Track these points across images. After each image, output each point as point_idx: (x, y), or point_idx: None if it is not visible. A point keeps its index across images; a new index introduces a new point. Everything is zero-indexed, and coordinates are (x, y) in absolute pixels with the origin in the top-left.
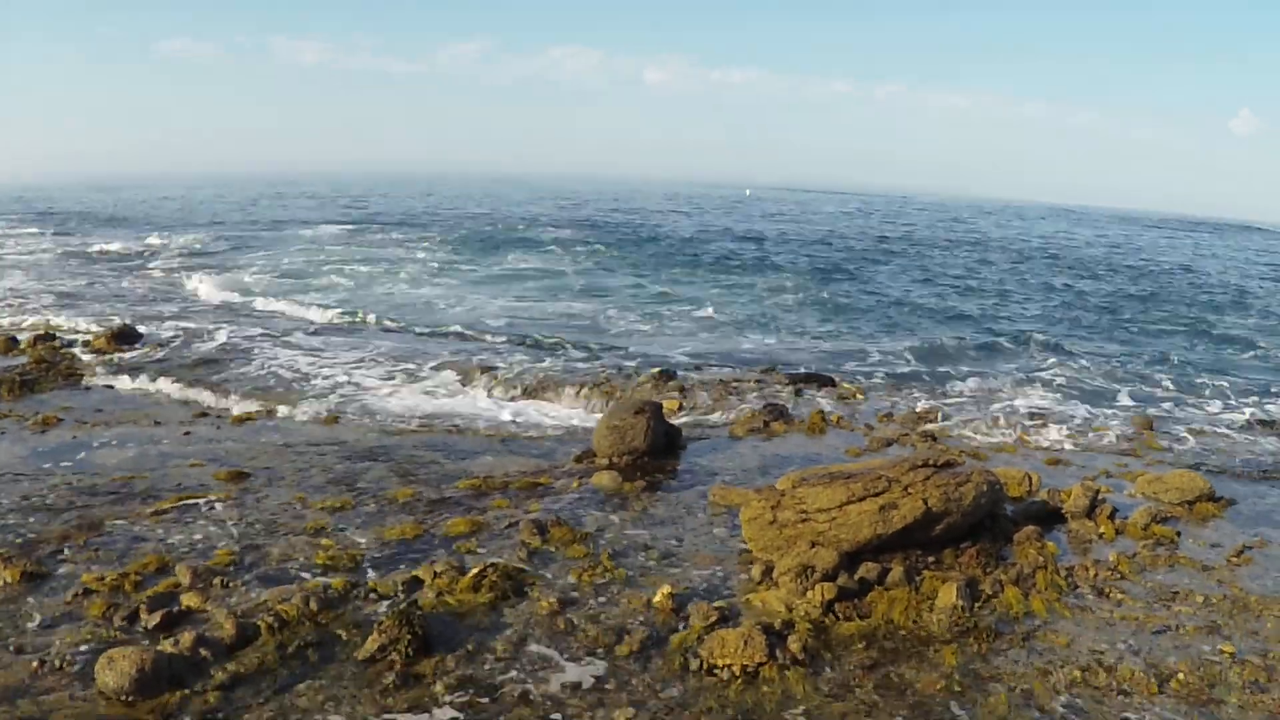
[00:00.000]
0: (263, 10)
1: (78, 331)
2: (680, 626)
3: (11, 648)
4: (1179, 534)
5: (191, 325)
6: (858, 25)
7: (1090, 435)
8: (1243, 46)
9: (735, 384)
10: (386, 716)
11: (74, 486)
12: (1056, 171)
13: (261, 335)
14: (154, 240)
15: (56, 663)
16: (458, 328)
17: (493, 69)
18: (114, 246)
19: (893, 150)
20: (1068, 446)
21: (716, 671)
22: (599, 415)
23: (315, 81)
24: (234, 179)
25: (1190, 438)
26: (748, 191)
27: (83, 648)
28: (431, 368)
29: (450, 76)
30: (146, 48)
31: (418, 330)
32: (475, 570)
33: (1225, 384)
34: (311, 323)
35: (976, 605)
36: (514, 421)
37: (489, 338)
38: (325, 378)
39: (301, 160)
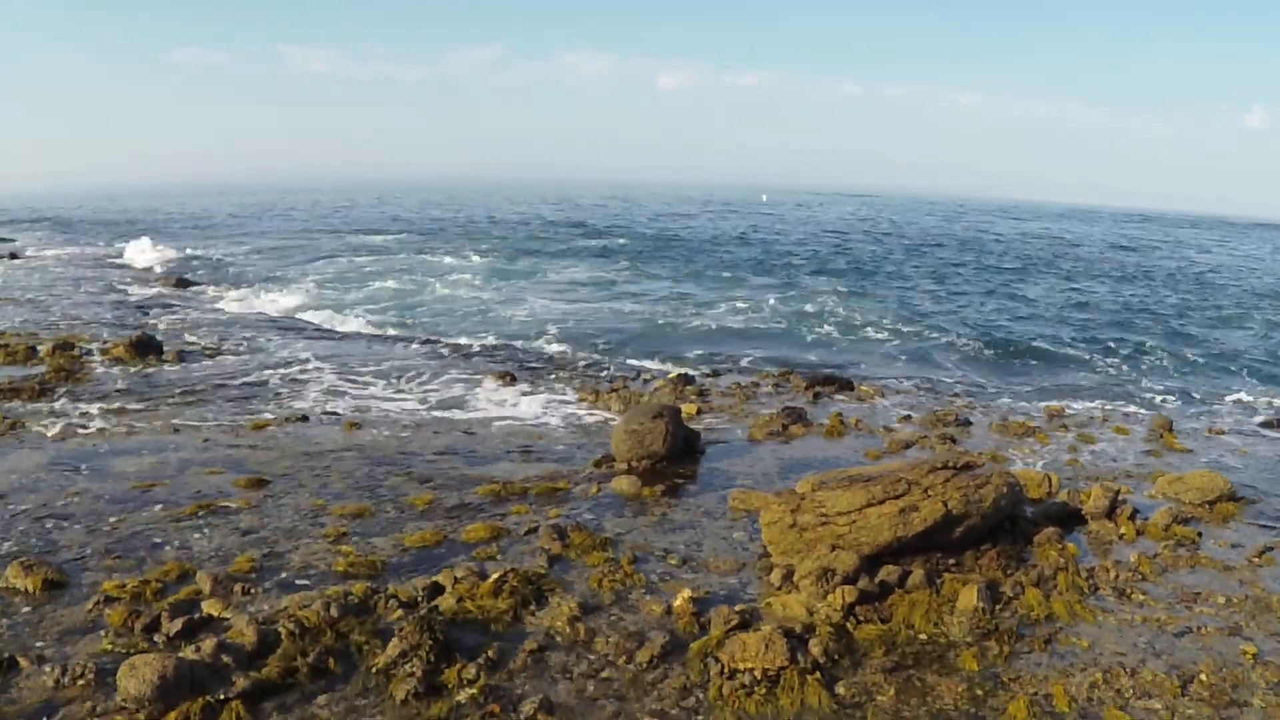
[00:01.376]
0: (272, 19)
1: (95, 340)
2: (700, 632)
3: (33, 656)
4: (1200, 534)
5: (218, 336)
6: (867, 26)
7: (1110, 436)
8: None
9: (753, 387)
10: None
11: (94, 494)
12: (1087, 172)
13: (286, 344)
14: (179, 250)
15: (78, 671)
16: (491, 335)
17: (505, 76)
18: (139, 257)
19: (915, 151)
20: (1087, 447)
21: (738, 675)
22: (619, 418)
23: (329, 90)
24: (252, 187)
25: (1211, 437)
26: (764, 197)
27: (104, 656)
28: (456, 375)
29: (463, 84)
30: (159, 57)
31: (445, 338)
32: (496, 576)
33: (1245, 383)
34: (341, 333)
35: (997, 607)
36: (533, 426)
37: (523, 344)
38: (346, 385)
39: (318, 168)
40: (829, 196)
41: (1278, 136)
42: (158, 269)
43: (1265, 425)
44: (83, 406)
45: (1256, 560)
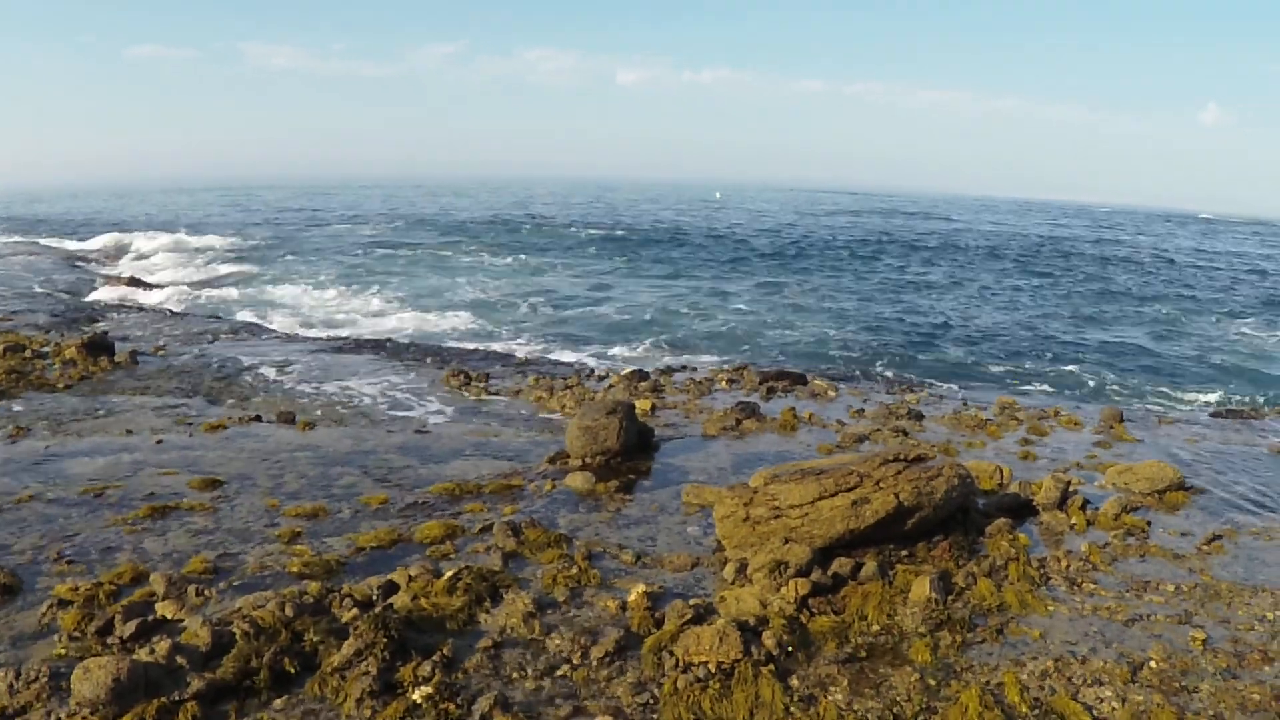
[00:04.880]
0: (235, 16)
1: (47, 342)
2: (655, 627)
3: None
4: (1150, 523)
5: (171, 337)
6: (829, 25)
7: (1061, 428)
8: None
9: (707, 383)
10: None
11: (46, 497)
12: (1030, 167)
13: (240, 344)
14: (138, 249)
15: (32, 675)
16: (443, 332)
17: (469, 73)
18: (95, 257)
19: (865, 148)
20: (1038, 439)
21: (692, 669)
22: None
23: (291, 87)
24: (214, 183)
25: (1161, 428)
26: (717, 194)
27: (58, 660)
28: (410, 374)
29: (428, 82)
30: (121, 54)
31: (396, 336)
32: (450, 574)
33: (1193, 375)
34: (295, 334)
35: (950, 598)
36: (487, 424)
37: (477, 343)
38: (300, 384)
39: (284, 166)
40: (786, 193)
41: (1230, 133)
42: (114, 269)
43: (1215, 415)
44: (34, 409)
45: (1205, 548)
